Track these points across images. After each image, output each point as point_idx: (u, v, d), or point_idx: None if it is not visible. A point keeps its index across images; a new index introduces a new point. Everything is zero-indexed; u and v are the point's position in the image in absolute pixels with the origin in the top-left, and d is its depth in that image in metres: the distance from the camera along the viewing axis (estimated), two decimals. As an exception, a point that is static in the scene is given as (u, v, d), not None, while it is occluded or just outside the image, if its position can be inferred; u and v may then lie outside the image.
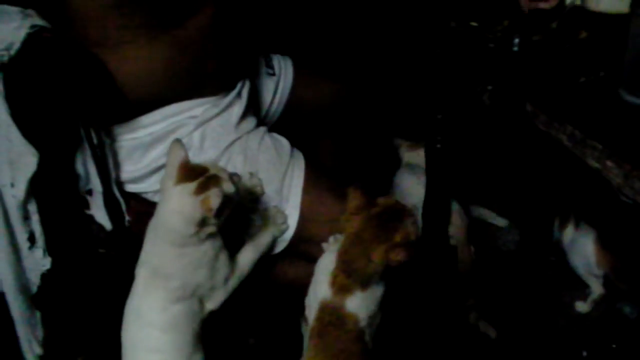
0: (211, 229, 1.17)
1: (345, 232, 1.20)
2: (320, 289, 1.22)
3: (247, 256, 1.30)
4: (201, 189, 1.13)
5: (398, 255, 1.14)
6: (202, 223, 1.15)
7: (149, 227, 1.21)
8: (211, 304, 1.25)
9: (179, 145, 1.18)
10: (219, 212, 1.13)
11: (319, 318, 1.21)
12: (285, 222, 1.37)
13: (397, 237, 1.16)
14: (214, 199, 1.11)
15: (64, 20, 1.24)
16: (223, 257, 1.24)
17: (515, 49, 1.27)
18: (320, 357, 1.20)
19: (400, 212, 1.19)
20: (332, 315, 1.19)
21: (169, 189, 1.16)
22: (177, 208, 1.15)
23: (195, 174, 1.15)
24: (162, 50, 1.28)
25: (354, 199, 1.19)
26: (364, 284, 1.18)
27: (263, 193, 1.36)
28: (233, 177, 1.19)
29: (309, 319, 1.26)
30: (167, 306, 1.20)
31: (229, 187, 1.15)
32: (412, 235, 1.17)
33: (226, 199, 1.13)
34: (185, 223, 1.14)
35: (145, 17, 1.25)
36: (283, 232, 1.37)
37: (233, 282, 1.27)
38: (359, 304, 1.19)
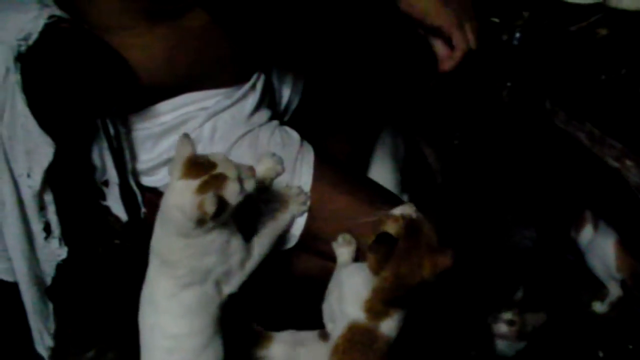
0: (212, 225, 1.14)
1: (379, 282, 1.15)
2: (350, 310, 1.19)
3: (267, 235, 1.28)
4: (203, 189, 1.10)
5: (443, 265, 1.12)
6: (201, 221, 1.12)
7: (158, 214, 1.19)
8: (229, 288, 1.23)
9: (187, 139, 1.15)
10: (217, 214, 1.09)
11: (348, 337, 1.19)
12: (306, 202, 1.34)
13: (425, 254, 1.13)
14: (208, 206, 1.08)
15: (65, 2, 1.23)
16: (235, 243, 1.20)
17: (515, 42, 1.26)
18: None
19: (413, 228, 1.16)
20: (363, 336, 1.18)
21: (173, 181, 1.13)
22: (177, 203, 1.12)
23: (201, 171, 1.12)
24: (163, 38, 1.25)
25: (374, 260, 1.14)
26: (405, 307, 1.18)
27: (282, 171, 1.31)
28: (244, 171, 1.15)
29: (327, 326, 1.26)
30: (176, 292, 1.18)
31: (233, 189, 1.12)
32: (433, 239, 1.15)
33: (224, 202, 1.10)
34: (184, 219, 1.12)
35: (144, 2, 1.22)
36: (302, 212, 1.34)
37: (251, 265, 1.24)
38: (394, 326, 1.18)
